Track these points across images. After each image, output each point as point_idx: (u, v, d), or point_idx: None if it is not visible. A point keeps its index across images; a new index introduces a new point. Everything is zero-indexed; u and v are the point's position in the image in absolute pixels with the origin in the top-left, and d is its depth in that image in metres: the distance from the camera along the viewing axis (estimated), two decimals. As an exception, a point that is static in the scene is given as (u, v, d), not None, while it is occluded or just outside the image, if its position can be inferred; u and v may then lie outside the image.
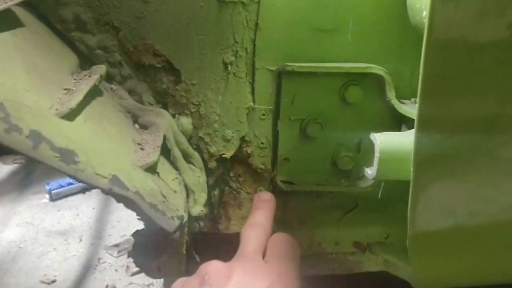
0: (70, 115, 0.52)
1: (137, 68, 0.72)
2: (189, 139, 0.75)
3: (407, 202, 0.58)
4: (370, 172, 0.65)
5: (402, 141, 0.63)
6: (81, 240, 1.81)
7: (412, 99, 0.76)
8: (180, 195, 0.65)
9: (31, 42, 0.57)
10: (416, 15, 0.66)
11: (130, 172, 0.56)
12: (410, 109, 0.72)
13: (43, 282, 1.58)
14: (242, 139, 0.77)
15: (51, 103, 0.51)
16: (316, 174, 0.81)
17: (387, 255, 0.86)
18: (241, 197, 0.81)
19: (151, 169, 0.61)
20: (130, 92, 0.72)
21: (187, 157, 0.73)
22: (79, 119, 0.53)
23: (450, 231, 0.64)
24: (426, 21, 0.47)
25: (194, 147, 0.76)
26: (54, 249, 1.76)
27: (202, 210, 0.73)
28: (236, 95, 0.74)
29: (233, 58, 0.72)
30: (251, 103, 0.75)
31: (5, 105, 0.44)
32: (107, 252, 1.73)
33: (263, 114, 0.76)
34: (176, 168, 0.70)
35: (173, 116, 0.74)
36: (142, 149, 0.63)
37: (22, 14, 0.59)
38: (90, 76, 0.61)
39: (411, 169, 0.56)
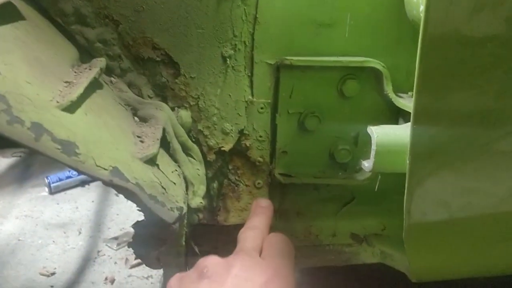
0: (71, 108, 0.52)
1: (137, 61, 0.72)
2: (188, 132, 0.76)
3: (404, 195, 0.59)
4: (367, 164, 0.66)
5: (399, 134, 0.64)
6: (80, 233, 1.82)
7: (409, 93, 0.76)
8: (179, 187, 0.66)
9: (32, 35, 0.58)
10: (413, 10, 0.67)
11: (130, 164, 0.56)
12: (407, 102, 0.73)
13: (43, 275, 1.58)
14: (241, 132, 0.78)
15: (52, 96, 0.52)
16: (313, 167, 0.82)
17: (383, 246, 0.87)
18: (239, 190, 0.82)
19: (151, 161, 0.62)
20: (130, 85, 0.72)
21: (186, 150, 0.74)
22: (79, 111, 0.54)
23: (445, 223, 0.65)
24: (422, 16, 0.48)
25: (193, 140, 0.77)
26: (53, 241, 1.77)
27: (201, 202, 0.74)
28: (235, 88, 0.75)
29: (232, 52, 0.73)
30: (250, 97, 0.76)
31: (7, 98, 0.45)
32: (106, 245, 1.74)
33: (262, 108, 0.77)
34: (175, 160, 0.71)
35: (172, 109, 0.74)
36: (141, 141, 0.63)
37: (23, 7, 0.60)
38: (90, 69, 0.62)
39: (407, 161, 0.56)
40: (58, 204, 2.04)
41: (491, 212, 0.64)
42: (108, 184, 0.52)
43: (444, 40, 0.50)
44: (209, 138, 0.77)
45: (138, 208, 0.58)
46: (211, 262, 0.54)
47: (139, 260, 1.08)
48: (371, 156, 0.64)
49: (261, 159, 0.80)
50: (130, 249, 0.69)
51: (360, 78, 0.75)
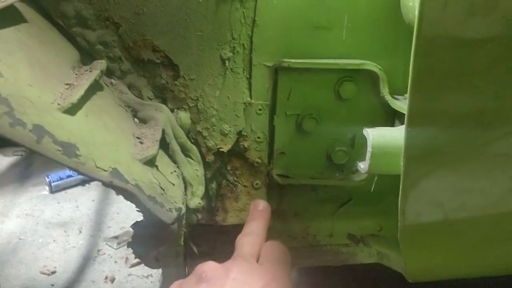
0: (72, 110, 0.53)
1: (137, 63, 0.73)
2: (187, 133, 0.77)
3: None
4: (362, 166, 0.67)
5: (394, 136, 0.64)
6: (80, 232, 1.83)
7: (405, 95, 0.77)
8: (178, 187, 0.67)
9: (34, 37, 0.59)
10: (409, 13, 0.68)
11: (130, 165, 0.57)
12: (403, 104, 0.74)
13: (43, 273, 1.59)
14: (239, 133, 0.78)
15: (53, 98, 0.53)
16: (311, 168, 0.83)
17: (380, 247, 0.88)
18: (238, 190, 0.83)
19: (150, 162, 0.62)
20: (130, 87, 0.73)
21: (185, 151, 0.75)
22: (80, 113, 0.55)
23: (439, 224, 0.66)
24: (415, 18, 0.49)
25: (192, 141, 0.78)
26: (54, 240, 1.78)
27: (199, 203, 0.75)
28: (234, 90, 0.76)
29: (230, 54, 0.74)
30: (248, 98, 0.77)
31: (9, 100, 0.46)
32: (106, 244, 1.75)
33: (260, 109, 0.78)
34: (174, 161, 0.72)
35: (172, 110, 0.75)
36: (141, 142, 0.64)
37: (25, 10, 0.60)
38: (91, 71, 0.63)
39: (402, 163, 0.57)
40: (58, 203, 2.05)
41: (485, 213, 0.65)
42: (108, 185, 0.53)
43: (438, 42, 0.51)
44: (208, 139, 0.78)
45: (137, 209, 0.59)
46: (209, 267, 0.54)
47: (139, 259, 1.09)
48: (366, 157, 0.65)
49: (259, 160, 0.81)
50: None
51: (357, 80, 0.76)
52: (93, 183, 2.18)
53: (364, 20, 0.74)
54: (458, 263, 0.75)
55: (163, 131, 0.69)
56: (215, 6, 0.70)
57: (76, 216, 1.94)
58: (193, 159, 0.76)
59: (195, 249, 0.80)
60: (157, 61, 0.73)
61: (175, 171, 0.70)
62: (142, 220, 0.63)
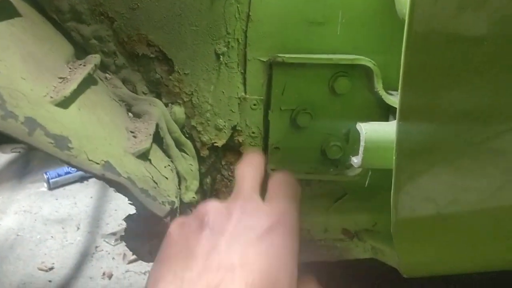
0: (65, 103, 0.54)
1: (131, 58, 0.73)
2: (182, 128, 0.77)
3: (393, 191, 0.61)
4: (356, 160, 0.67)
5: (387, 130, 0.65)
6: (78, 229, 1.83)
7: (399, 90, 0.77)
8: (171, 181, 0.67)
9: (28, 31, 0.59)
10: (403, 8, 0.68)
11: (122, 159, 0.58)
12: (397, 100, 0.74)
13: (41, 269, 1.60)
14: (234, 128, 0.79)
15: (46, 91, 0.53)
16: (305, 163, 0.83)
17: (374, 242, 0.88)
18: (232, 185, 0.83)
19: (143, 156, 0.63)
20: (124, 81, 0.74)
21: (179, 146, 0.75)
22: (73, 106, 0.55)
23: (432, 219, 0.66)
24: (406, 13, 0.49)
25: (187, 135, 0.78)
26: (52, 237, 1.78)
27: (194, 197, 0.75)
28: (228, 85, 0.76)
29: (225, 49, 0.74)
30: (243, 93, 0.77)
31: (1, 93, 0.46)
32: (104, 240, 1.75)
33: (254, 104, 0.78)
34: (168, 156, 0.72)
35: (166, 105, 0.75)
36: (135, 136, 0.65)
37: (20, 4, 0.61)
38: (84, 65, 0.63)
39: (394, 157, 0.58)
40: (57, 199, 2.06)
41: (478, 208, 0.65)
42: (100, 178, 0.53)
43: (429, 37, 0.51)
44: (202, 134, 0.78)
45: (129, 202, 0.59)
46: (211, 209, 0.53)
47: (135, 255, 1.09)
48: (359, 152, 0.65)
49: (254, 155, 0.81)
50: (126, 243, 0.70)
51: (351, 76, 0.76)
52: (91, 180, 2.18)
53: (359, 16, 0.74)
54: (452, 258, 0.75)
55: (157, 125, 0.70)
56: (210, 1, 0.71)
57: (74, 212, 1.95)
58: (187, 154, 0.76)
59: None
60: (152, 55, 0.73)
61: (169, 165, 0.70)
62: (134, 213, 0.64)
